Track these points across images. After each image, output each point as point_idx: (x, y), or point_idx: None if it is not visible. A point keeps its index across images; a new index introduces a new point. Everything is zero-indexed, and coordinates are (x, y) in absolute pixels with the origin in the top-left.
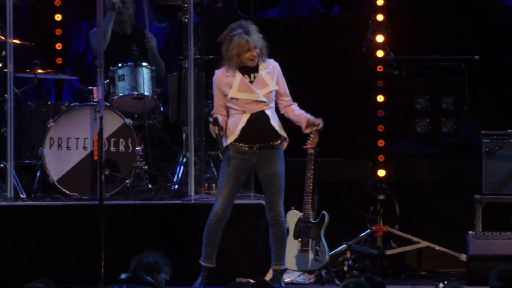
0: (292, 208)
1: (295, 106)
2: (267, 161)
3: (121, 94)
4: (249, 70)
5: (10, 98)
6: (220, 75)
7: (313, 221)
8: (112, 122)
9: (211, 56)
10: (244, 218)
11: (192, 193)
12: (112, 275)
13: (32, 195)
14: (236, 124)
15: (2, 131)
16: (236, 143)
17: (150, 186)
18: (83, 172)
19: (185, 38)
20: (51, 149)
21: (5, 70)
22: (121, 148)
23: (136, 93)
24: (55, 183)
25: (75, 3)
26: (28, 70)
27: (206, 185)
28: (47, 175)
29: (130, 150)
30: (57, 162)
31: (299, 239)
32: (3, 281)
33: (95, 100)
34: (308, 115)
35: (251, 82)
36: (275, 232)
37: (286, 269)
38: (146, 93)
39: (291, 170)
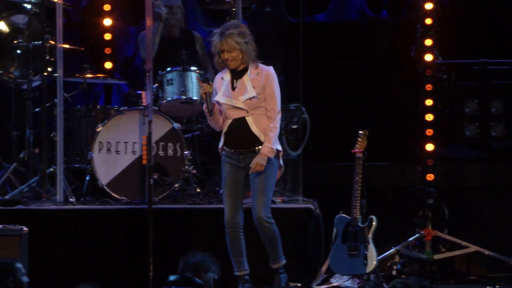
0: (341, 212)
1: (269, 124)
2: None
3: (169, 99)
4: (237, 75)
5: (59, 103)
6: (217, 76)
7: (361, 225)
8: (161, 126)
9: (259, 60)
10: (292, 221)
11: None
12: (161, 279)
13: (81, 199)
14: (223, 129)
15: (52, 135)
16: (224, 147)
17: (198, 190)
18: (131, 176)
19: None
20: (100, 153)
21: (55, 74)
22: (170, 152)
23: (184, 97)
24: (104, 187)
25: (124, 7)
26: (77, 75)
27: None
28: (96, 179)
29: (178, 154)
30: (106, 166)
31: (348, 244)
32: (52, 284)
33: (143, 104)
34: (263, 148)
35: (234, 88)
36: (261, 233)
37: (281, 267)
38: (194, 98)
39: (339, 174)
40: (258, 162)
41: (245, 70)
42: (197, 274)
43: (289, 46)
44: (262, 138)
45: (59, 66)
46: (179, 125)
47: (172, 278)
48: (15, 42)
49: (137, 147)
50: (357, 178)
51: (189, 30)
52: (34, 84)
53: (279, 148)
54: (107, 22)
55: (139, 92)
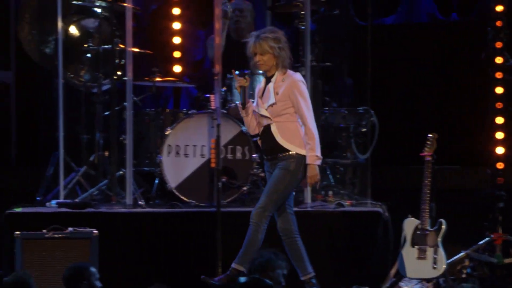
0: (409, 215)
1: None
2: (275, 168)
3: (238, 102)
4: (268, 83)
5: (129, 106)
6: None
7: (430, 229)
8: (229, 130)
9: (327, 63)
10: (360, 225)
11: (309, 200)
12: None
13: (150, 202)
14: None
15: (121, 138)
16: (262, 154)
17: None
18: (200, 179)
19: (302, 45)
20: (169, 156)
21: (124, 78)
22: (238, 155)
23: (252, 100)
24: (173, 190)
25: (193, 11)
26: (147, 78)
27: (323, 192)
28: (165, 182)
29: (247, 158)
30: (175, 169)
31: (417, 247)
32: (122, 286)
33: (212, 107)
34: (308, 158)
35: (262, 94)
36: (247, 232)
37: (241, 272)
38: None
39: (408, 177)
40: (309, 175)
41: (272, 77)
42: (265, 274)
43: (357, 49)
44: (286, 146)
45: (129, 69)
46: None
47: (242, 280)
48: (85, 46)
49: (206, 150)
50: (426, 182)
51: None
52: (104, 87)
53: (303, 152)
54: (176, 25)
55: (208, 95)
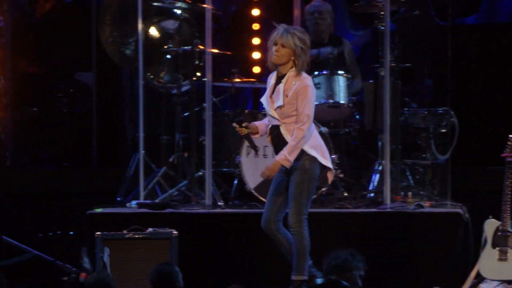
0: (490, 217)
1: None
2: (291, 170)
3: (317, 103)
4: (279, 81)
5: (208, 107)
6: (270, 76)
7: (511, 230)
8: None
9: (407, 64)
10: (440, 226)
11: (388, 202)
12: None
13: (230, 203)
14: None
15: (200, 139)
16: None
17: (345, 194)
18: None
19: (382, 46)
20: (248, 157)
21: (204, 79)
22: None
23: (332, 101)
24: (252, 191)
25: (272, 11)
26: (226, 79)
27: (402, 193)
28: (244, 183)
29: None
30: (254, 170)
31: (498, 248)
32: (201, 286)
33: None
34: (279, 155)
35: (272, 93)
36: (292, 242)
37: (303, 282)
38: (341, 101)
39: (489, 178)
40: (267, 167)
41: (284, 77)
42: (342, 275)
43: (437, 49)
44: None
45: (208, 70)
46: (327, 129)
47: (318, 281)
48: (165, 47)
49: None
50: (507, 183)
51: (339, 37)
52: (184, 88)
53: (315, 154)
54: (256, 26)
55: None
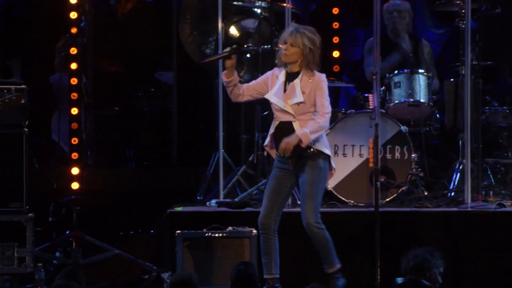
0: None
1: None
2: (301, 168)
3: (397, 101)
4: (290, 78)
5: None
6: (272, 73)
7: None
8: (388, 129)
9: (488, 62)
10: None
11: (469, 201)
12: (388, 281)
13: None
14: (270, 129)
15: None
16: (274, 150)
17: (426, 193)
18: (358, 179)
19: (462, 44)
20: None
21: None
22: (397, 155)
23: (412, 100)
24: (332, 189)
25: (352, 10)
26: None
27: (483, 192)
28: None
29: (405, 157)
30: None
31: None
32: (281, 284)
33: (370, 107)
34: (299, 130)
35: (285, 90)
36: (313, 240)
37: (336, 271)
38: (422, 100)
39: None
40: (287, 141)
41: (298, 74)
42: (421, 275)
43: None
44: (312, 145)
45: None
46: (407, 128)
47: (399, 280)
48: (245, 46)
49: (364, 150)
50: None
51: (418, 38)
52: None
53: (329, 152)
54: (336, 25)
55: (366, 95)
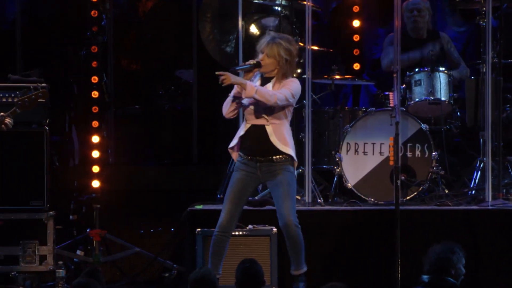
0: None
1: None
2: (271, 173)
3: (417, 99)
4: (265, 82)
5: (308, 104)
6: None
7: None
8: (408, 127)
9: (509, 60)
10: None
11: (490, 199)
12: (408, 280)
13: (329, 200)
14: (239, 131)
15: (300, 136)
16: (240, 153)
17: (446, 192)
18: (379, 177)
19: (483, 42)
20: (347, 154)
21: (304, 76)
22: (417, 153)
23: (432, 98)
24: (352, 188)
25: (372, 8)
26: (326, 76)
27: (504, 190)
28: (344, 180)
29: (426, 155)
30: (354, 167)
31: None
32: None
33: (391, 105)
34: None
35: None
36: (286, 239)
37: (302, 274)
38: (442, 98)
39: None
40: (231, 76)
41: (271, 79)
42: (447, 273)
43: None
44: (280, 148)
45: (308, 67)
46: (427, 126)
47: (425, 278)
48: None
49: (385, 148)
50: None
51: (436, 31)
52: None
53: (295, 158)
54: (356, 23)
55: (387, 93)
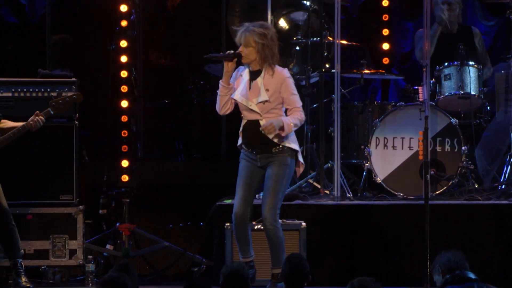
0: None
1: (293, 112)
2: (268, 164)
3: (447, 94)
4: (253, 76)
5: (337, 99)
6: (238, 70)
7: None
8: (438, 122)
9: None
10: None
11: None
12: None
13: (358, 195)
14: (241, 128)
15: (329, 131)
16: (243, 146)
17: (476, 186)
18: (408, 171)
19: None
20: (377, 148)
21: (333, 70)
22: (447, 147)
23: (462, 92)
24: (381, 182)
25: (402, 2)
26: (355, 71)
27: None
28: (373, 174)
29: (456, 150)
30: (383, 162)
31: None
32: (332, 277)
33: (420, 99)
34: (284, 118)
35: (249, 89)
36: (266, 236)
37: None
38: (472, 92)
39: None
40: (272, 122)
41: (259, 72)
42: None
43: None
44: (276, 140)
45: (337, 62)
46: (457, 120)
47: (447, 276)
48: (294, 39)
49: (414, 142)
50: None
51: (468, 26)
52: (312, 80)
53: (297, 148)
54: (385, 17)
55: (416, 87)
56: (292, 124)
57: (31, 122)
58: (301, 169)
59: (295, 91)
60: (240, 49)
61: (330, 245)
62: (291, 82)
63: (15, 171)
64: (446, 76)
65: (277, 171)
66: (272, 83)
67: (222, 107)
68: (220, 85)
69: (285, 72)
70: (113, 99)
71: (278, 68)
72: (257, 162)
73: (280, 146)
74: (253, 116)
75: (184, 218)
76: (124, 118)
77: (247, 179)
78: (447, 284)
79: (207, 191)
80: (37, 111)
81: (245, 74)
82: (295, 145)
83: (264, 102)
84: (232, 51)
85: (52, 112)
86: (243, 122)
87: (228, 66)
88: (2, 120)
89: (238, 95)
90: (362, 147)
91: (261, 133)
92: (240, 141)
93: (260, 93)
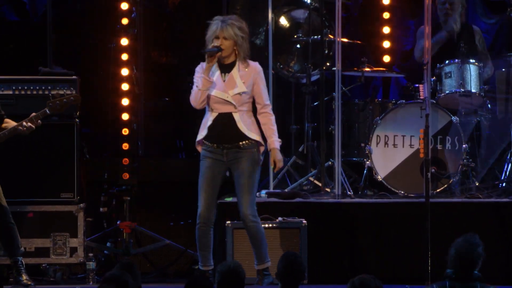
0: None
1: (266, 117)
2: (236, 160)
3: (447, 91)
4: (225, 69)
5: (337, 97)
6: (202, 66)
7: None
8: (439, 120)
9: None
10: None
11: None
12: (438, 272)
13: (359, 192)
14: (205, 122)
15: (330, 129)
16: (205, 141)
17: (477, 184)
18: (409, 169)
19: None
20: (377, 146)
21: (333, 68)
22: (448, 145)
23: (463, 90)
24: (382, 180)
25: (403, 0)
26: (355, 69)
27: None
28: (374, 172)
29: (456, 148)
30: (384, 160)
31: None
32: (331, 275)
33: (421, 97)
34: (274, 143)
35: (223, 81)
36: (248, 233)
37: (266, 268)
38: (473, 90)
39: None
40: (277, 159)
41: (233, 65)
42: (472, 267)
43: None
44: (248, 134)
45: (338, 60)
46: (457, 118)
47: (449, 272)
48: (295, 36)
49: (415, 140)
50: None
51: (469, 25)
52: (313, 78)
53: (261, 139)
54: (386, 15)
55: (417, 85)
56: (279, 141)
57: (21, 128)
58: (261, 150)
59: (265, 85)
60: (220, 41)
61: (331, 243)
62: (263, 75)
63: (16, 168)
64: (447, 74)
65: (247, 167)
66: (247, 76)
67: (202, 101)
68: (202, 80)
69: (258, 65)
70: (114, 97)
71: (251, 62)
72: (222, 157)
73: (248, 141)
74: (226, 109)
75: (185, 216)
76: (125, 116)
77: (211, 182)
78: (449, 279)
79: None
80: (33, 113)
81: (215, 67)
82: (259, 136)
83: (241, 93)
84: (216, 44)
85: (48, 112)
86: (212, 116)
87: (213, 60)
88: (5, 120)
89: (211, 90)
90: (363, 145)
91: (233, 126)
92: (201, 137)
93: (237, 85)
